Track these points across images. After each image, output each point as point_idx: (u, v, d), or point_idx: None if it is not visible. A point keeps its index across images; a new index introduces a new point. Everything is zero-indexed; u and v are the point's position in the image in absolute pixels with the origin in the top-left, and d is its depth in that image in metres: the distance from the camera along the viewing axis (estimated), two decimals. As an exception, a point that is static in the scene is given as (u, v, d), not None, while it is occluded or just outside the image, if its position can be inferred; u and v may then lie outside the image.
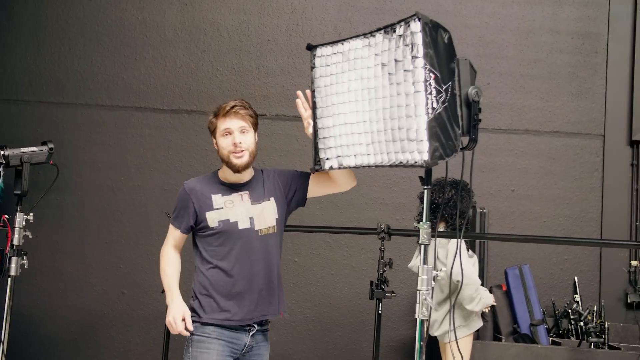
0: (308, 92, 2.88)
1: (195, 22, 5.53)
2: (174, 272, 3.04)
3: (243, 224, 2.96)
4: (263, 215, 3.01)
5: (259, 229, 2.99)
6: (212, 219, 2.96)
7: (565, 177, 5.34)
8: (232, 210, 2.97)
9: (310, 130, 2.88)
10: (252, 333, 2.99)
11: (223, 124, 2.97)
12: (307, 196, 3.14)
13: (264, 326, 3.07)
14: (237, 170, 2.97)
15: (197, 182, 3.06)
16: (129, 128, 5.48)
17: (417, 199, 4.43)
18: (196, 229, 3.02)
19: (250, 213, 2.99)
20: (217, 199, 2.99)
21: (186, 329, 2.89)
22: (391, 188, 5.35)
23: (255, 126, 3.05)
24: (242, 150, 2.94)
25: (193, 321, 2.92)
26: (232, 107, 2.96)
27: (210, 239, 2.97)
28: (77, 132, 5.46)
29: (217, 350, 2.90)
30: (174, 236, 3.07)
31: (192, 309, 2.96)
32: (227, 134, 2.96)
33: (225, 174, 3.04)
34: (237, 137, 2.94)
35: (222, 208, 2.97)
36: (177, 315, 2.88)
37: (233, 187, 3.03)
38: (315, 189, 3.11)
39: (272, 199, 3.05)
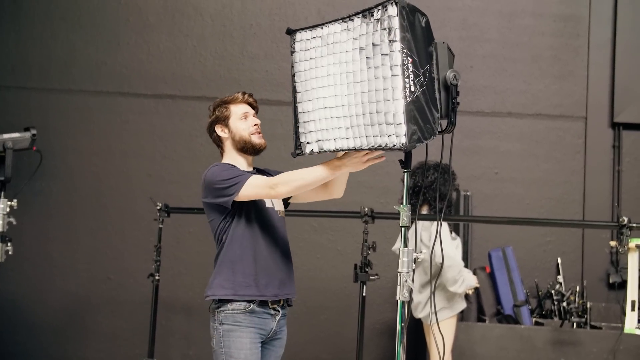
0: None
1: (177, 7, 5.50)
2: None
3: (269, 203, 2.99)
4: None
5: (278, 210, 3.04)
6: None
7: (548, 160, 5.38)
8: None
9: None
10: (277, 318, 2.99)
11: (240, 109, 3.03)
12: (297, 201, 3.17)
13: (284, 309, 3.05)
14: (258, 150, 3.00)
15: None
16: (112, 114, 5.46)
17: (401, 183, 4.45)
18: (237, 203, 2.88)
19: None
20: None
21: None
22: (376, 172, 5.35)
23: None
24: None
25: (223, 300, 2.85)
26: (244, 94, 3.08)
27: (244, 217, 2.90)
28: (60, 118, 5.44)
29: (250, 337, 2.88)
30: (257, 180, 2.84)
31: (222, 285, 2.87)
32: (245, 117, 3.02)
33: (237, 162, 2.99)
34: (256, 119, 3.05)
35: None
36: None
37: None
38: (309, 194, 3.07)
39: None
